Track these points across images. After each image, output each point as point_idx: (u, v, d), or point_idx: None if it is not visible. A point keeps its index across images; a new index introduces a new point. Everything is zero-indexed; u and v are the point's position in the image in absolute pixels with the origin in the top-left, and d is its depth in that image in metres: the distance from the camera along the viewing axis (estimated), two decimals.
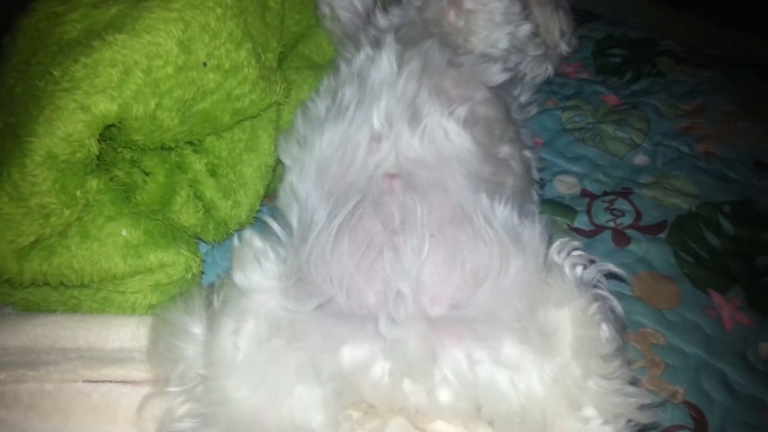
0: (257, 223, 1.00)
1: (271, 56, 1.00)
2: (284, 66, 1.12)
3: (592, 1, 1.79)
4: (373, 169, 0.86)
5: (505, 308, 0.75)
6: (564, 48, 1.35)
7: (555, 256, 0.78)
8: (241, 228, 0.97)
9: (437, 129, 0.87)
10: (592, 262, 0.79)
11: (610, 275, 0.86)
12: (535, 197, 0.97)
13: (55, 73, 0.73)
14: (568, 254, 0.78)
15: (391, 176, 0.85)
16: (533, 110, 1.26)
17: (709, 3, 1.80)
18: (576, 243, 0.80)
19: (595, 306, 0.71)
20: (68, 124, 0.71)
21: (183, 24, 0.79)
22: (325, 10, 1.18)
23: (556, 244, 0.79)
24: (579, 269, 0.77)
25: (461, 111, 0.89)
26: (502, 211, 0.82)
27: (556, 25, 1.32)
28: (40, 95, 0.73)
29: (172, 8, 0.79)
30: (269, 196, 1.06)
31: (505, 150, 0.93)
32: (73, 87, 0.72)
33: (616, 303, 0.76)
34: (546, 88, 1.37)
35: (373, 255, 0.80)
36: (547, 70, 1.29)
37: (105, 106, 0.72)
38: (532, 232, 0.81)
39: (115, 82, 0.73)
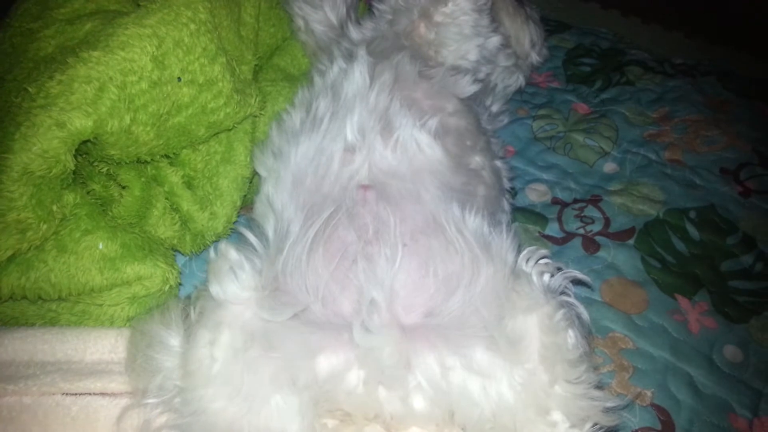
0: (234, 233, 1.01)
1: (246, 69, 1.02)
2: (259, 78, 1.13)
3: (564, 11, 1.83)
4: (347, 180, 0.87)
5: (476, 315, 0.77)
6: (535, 58, 1.38)
7: (523, 265, 0.80)
8: (218, 239, 0.98)
9: (409, 140, 0.89)
10: (559, 269, 0.81)
11: (579, 282, 0.89)
12: (506, 206, 1.00)
13: (31, 89, 0.74)
14: (536, 262, 0.80)
15: (365, 187, 0.86)
16: (505, 120, 1.29)
17: (676, 14, 1.85)
18: (544, 251, 0.82)
19: (561, 313, 0.73)
20: (44, 141, 0.71)
21: (157, 40, 0.81)
22: (300, 23, 1.20)
23: (525, 252, 0.82)
24: (546, 277, 0.79)
25: (432, 122, 0.92)
26: (473, 221, 0.84)
27: (526, 36, 1.35)
28: (16, 112, 0.74)
29: (145, 24, 0.81)
30: (246, 206, 1.08)
31: (476, 160, 0.95)
32: (48, 104, 0.73)
33: (582, 309, 0.78)
34: (517, 97, 1.40)
35: (347, 264, 0.82)
36: (519, 80, 1.32)
37: (80, 123, 0.73)
38: (502, 241, 0.83)
39: (90, 98, 0.74)
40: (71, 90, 0.74)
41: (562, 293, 0.80)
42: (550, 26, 1.64)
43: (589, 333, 0.80)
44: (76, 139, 0.74)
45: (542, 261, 0.80)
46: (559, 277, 0.80)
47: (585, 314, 0.78)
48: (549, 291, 0.77)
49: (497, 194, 0.97)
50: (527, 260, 0.81)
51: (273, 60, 1.18)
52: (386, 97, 0.92)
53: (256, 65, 1.06)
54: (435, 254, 0.82)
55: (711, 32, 1.80)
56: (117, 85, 0.77)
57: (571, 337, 0.73)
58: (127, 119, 0.78)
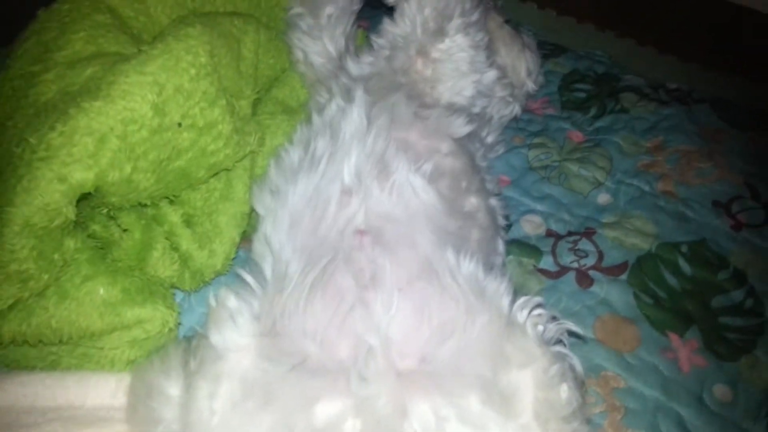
0: (233, 270, 1.02)
1: (245, 104, 1.03)
2: (258, 111, 1.14)
3: (560, 31, 1.84)
4: (344, 224, 0.88)
5: (471, 364, 0.78)
6: (531, 86, 1.39)
7: (518, 314, 0.81)
8: (217, 276, 0.99)
9: (405, 185, 0.90)
10: (554, 318, 0.83)
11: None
12: (501, 247, 1.01)
13: (32, 140, 0.75)
14: (530, 312, 0.82)
15: (361, 232, 0.88)
16: (501, 150, 1.30)
17: (670, 37, 1.86)
18: (538, 299, 0.84)
19: (555, 368, 0.75)
20: (46, 194, 0.72)
21: (158, 87, 0.81)
22: (299, 54, 1.21)
23: (520, 301, 0.83)
24: (540, 328, 0.80)
25: (428, 166, 0.93)
26: (468, 267, 0.86)
27: (523, 65, 1.36)
28: (18, 163, 0.75)
29: (146, 72, 0.81)
30: (245, 239, 1.09)
31: (471, 202, 0.97)
32: (50, 156, 0.74)
33: (576, 361, 0.79)
34: (513, 125, 1.41)
35: (345, 310, 0.83)
36: (515, 109, 1.33)
37: (82, 176, 0.74)
38: (497, 287, 0.84)
39: (91, 150, 0.75)
40: (72, 142, 0.75)
41: (557, 342, 0.81)
42: (546, 50, 1.65)
43: (582, 384, 0.81)
44: (78, 192, 0.75)
45: (536, 312, 0.82)
46: (553, 327, 0.82)
47: (579, 366, 0.80)
48: (543, 342, 0.78)
49: (492, 235, 0.98)
50: (522, 309, 0.82)
51: (272, 92, 1.19)
52: (383, 141, 0.93)
53: (255, 99, 1.07)
54: (430, 300, 0.84)
55: (705, 56, 1.81)
56: (118, 135, 0.77)
57: (565, 391, 0.74)
58: (128, 168, 0.79)
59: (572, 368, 0.79)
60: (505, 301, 0.84)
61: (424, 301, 0.84)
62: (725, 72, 1.76)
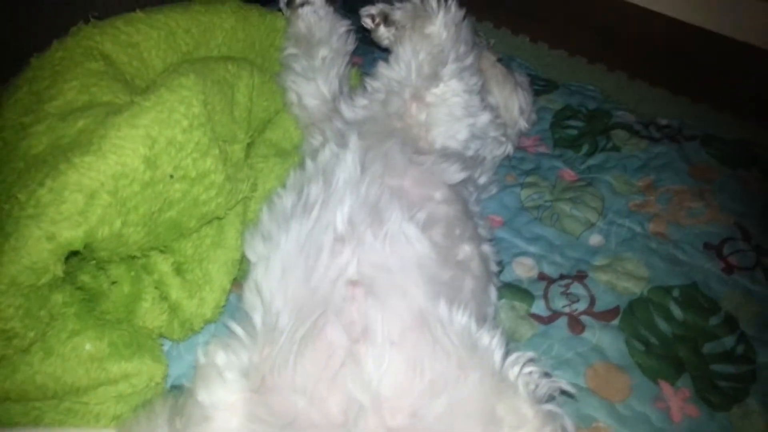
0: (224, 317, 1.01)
1: (239, 148, 1.03)
2: (251, 154, 1.14)
3: (551, 65, 1.85)
4: (336, 275, 0.88)
5: (462, 423, 0.78)
6: (523, 125, 1.40)
7: (510, 371, 0.81)
8: (206, 324, 0.98)
9: (398, 234, 0.90)
10: (546, 374, 0.82)
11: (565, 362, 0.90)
12: (493, 297, 1.01)
13: (21, 197, 0.74)
14: (522, 369, 0.81)
15: (353, 283, 0.87)
16: (494, 190, 1.31)
17: (661, 71, 1.87)
18: (530, 354, 0.84)
19: (547, 430, 0.74)
20: (33, 253, 0.72)
21: (150, 140, 0.81)
22: (293, 97, 1.21)
23: (512, 357, 0.83)
24: (532, 386, 0.80)
25: (421, 215, 0.93)
26: (460, 319, 0.85)
27: (515, 104, 1.37)
28: (6, 220, 0.74)
29: (138, 125, 0.81)
30: (236, 283, 1.08)
31: (464, 250, 0.96)
32: (38, 213, 0.73)
33: (567, 422, 0.79)
34: (506, 163, 1.41)
35: (336, 365, 0.82)
36: (507, 148, 1.33)
37: (71, 234, 0.73)
38: (489, 340, 0.84)
39: (81, 207, 0.74)
40: (62, 199, 0.74)
41: (549, 399, 0.81)
42: (539, 86, 1.66)
43: None
44: (66, 250, 0.74)
45: (527, 370, 0.81)
46: (545, 383, 0.81)
47: (570, 427, 0.79)
48: (535, 402, 0.78)
49: (485, 284, 0.98)
50: (514, 365, 0.82)
51: (265, 134, 1.19)
52: (377, 188, 0.93)
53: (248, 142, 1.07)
54: (422, 354, 0.83)
55: (694, 90, 1.82)
56: (109, 190, 0.77)
57: None
58: (118, 223, 0.78)
59: (564, 429, 0.78)
60: (498, 355, 0.83)
61: (416, 355, 0.83)
62: (714, 106, 1.77)
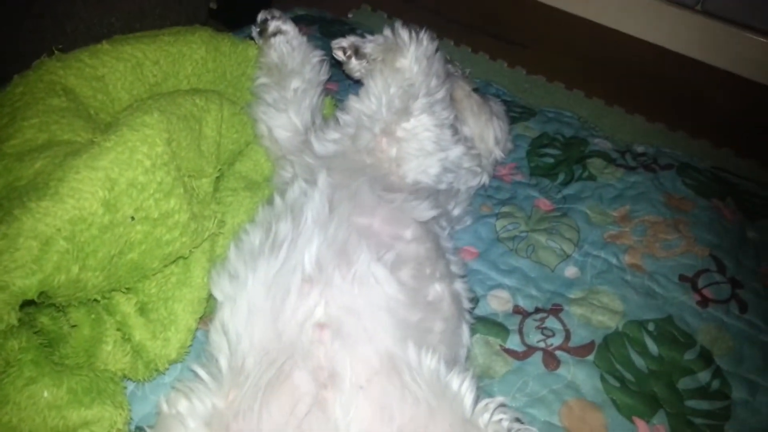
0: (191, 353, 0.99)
1: (206, 182, 1.01)
2: (220, 187, 1.12)
3: (529, 91, 1.85)
4: (304, 317, 0.86)
5: None
6: (498, 154, 1.39)
7: (479, 419, 0.79)
8: (171, 364, 0.96)
9: (367, 275, 0.89)
10: (517, 420, 0.81)
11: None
12: (465, 338, 0.99)
13: None
14: (491, 416, 0.80)
15: (321, 326, 0.85)
16: (468, 221, 1.29)
17: (638, 98, 1.88)
18: (500, 399, 0.82)
19: None
20: None
21: (109, 183, 0.79)
22: (263, 129, 1.19)
23: (481, 404, 0.81)
24: None
25: (390, 255, 0.91)
26: (429, 363, 0.84)
27: (490, 134, 1.36)
28: None
29: (98, 167, 0.79)
30: (203, 319, 1.05)
31: (435, 290, 0.95)
32: None
33: None
34: (481, 192, 1.40)
35: (302, 411, 0.81)
36: (482, 178, 1.32)
37: (24, 283, 0.71)
38: (459, 384, 0.83)
39: (35, 254, 0.72)
40: (16, 246, 0.71)
41: None
42: (515, 113, 1.66)
43: None
44: (20, 299, 0.72)
45: (498, 416, 0.80)
46: (516, 428, 0.80)
47: None
48: None
49: (456, 325, 0.96)
50: (484, 412, 0.80)
51: (235, 166, 1.17)
52: (345, 229, 0.92)
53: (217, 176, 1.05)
54: (391, 399, 0.81)
55: (671, 117, 1.83)
56: (65, 236, 0.74)
57: None
58: (75, 269, 0.76)
59: None
60: (468, 401, 0.82)
61: (384, 401, 0.81)
62: (691, 133, 1.78)
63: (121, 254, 0.82)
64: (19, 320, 0.80)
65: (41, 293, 0.75)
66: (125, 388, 0.92)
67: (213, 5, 1.82)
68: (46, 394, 0.78)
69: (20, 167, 0.81)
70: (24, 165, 0.81)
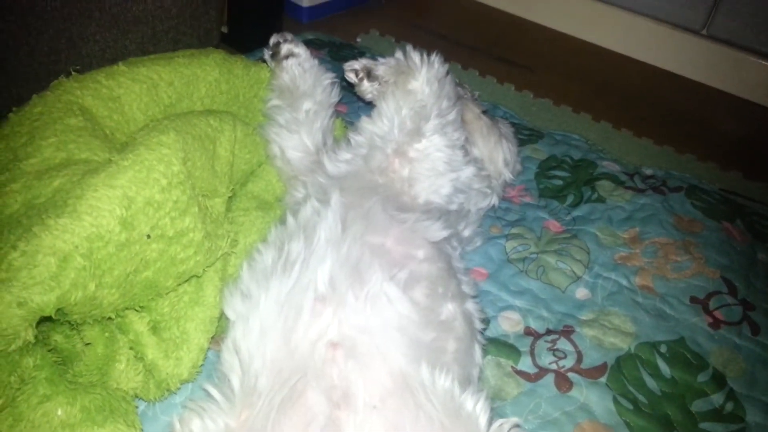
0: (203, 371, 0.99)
1: (219, 201, 1.01)
2: (233, 207, 1.13)
3: (537, 114, 1.87)
4: (317, 336, 0.86)
5: None
6: (508, 176, 1.40)
7: None
8: (183, 384, 0.96)
9: (379, 294, 0.89)
10: None
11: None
12: (477, 358, 0.99)
13: None
14: None
15: (334, 345, 0.85)
16: (478, 242, 1.30)
17: (645, 121, 1.90)
18: (515, 420, 0.82)
19: None
20: (3, 319, 0.69)
21: (127, 201, 0.80)
22: (276, 150, 1.20)
23: (496, 425, 0.81)
24: None
25: (403, 275, 0.91)
26: (443, 383, 0.83)
27: (500, 155, 1.37)
28: None
29: (115, 185, 0.80)
30: (215, 339, 1.05)
31: (448, 309, 0.95)
32: (9, 278, 0.71)
33: None
34: (491, 214, 1.41)
35: (316, 430, 0.80)
36: (492, 200, 1.32)
37: (42, 299, 0.71)
38: (473, 405, 0.82)
39: (53, 271, 0.72)
40: (34, 263, 0.72)
41: None
42: (524, 135, 1.67)
43: None
44: (38, 315, 0.72)
45: None
46: None
47: None
48: None
49: (469, 344, 0.96)
50: None
51: (247, 186, 1.18)
52: (358, 248, 0.92)
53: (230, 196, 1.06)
54: (404, 420, 0.81)
55: (680, 140, 1.84)
56: (83, 253, 0.75)
57: None
58: (92, 286, 0.76)
59: None
60: (482, 421, 0.81)
61: (397, 421, 0.81)
62: (699, 156, 1.79)
63: (137, 272, 0.83)
64: (35, 338, 0.81)
65: (58, 310, 0.75)
66: (137, 407, 0.91)
67: (224, 29, 1.85)
68: (60, 412, 0.78)
69: (39, 185, 0.82)
70: (43, 183, 0.82)
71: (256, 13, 1.88)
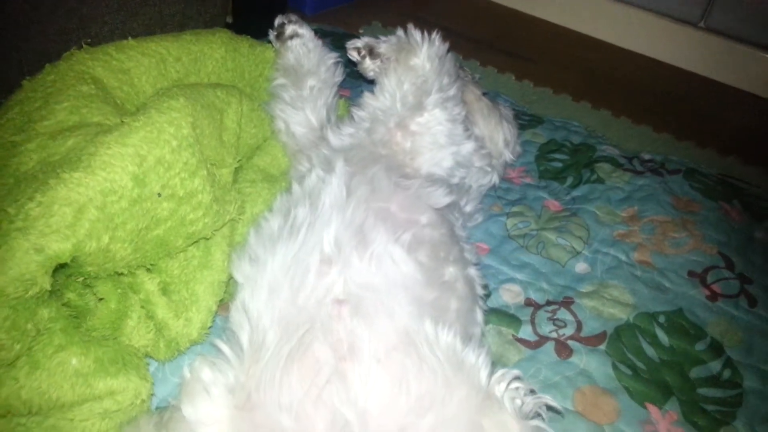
0: (210, 339, 1.00)
1: (227, 172, 1.04)
2: (239, 178, 1.15)
3: (537, 102, 1.89)
4: (323, 294, 0.88)
5: None
6: (508, 156, 1.42)
7: (496, 388, 0.81)
8: (192, 345, 0.98)
9: (384, 255, 0.91)
10: (532, 392, 0.83)
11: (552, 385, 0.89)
12: (479, 318, 1.01)
13: (10, 210, 0.75)
14: (508, 385, 0.81)
15: (340, 302, 0.87)
16: (479, 218, 1.32)
17: (644, 109, 1.92)
18: (516, 372, 0.84)
19: None
20: (21, 265, 0.72)
21: (138, 158, 0.82)
22: (281, 124, 1.23)
23: (498, 374, 0.83)
24: (518, 402, 0.80)
25: (406, 236, 0.94)
26: (446, 338, 0.86)
27: (500, 136, 1.40)
28: None
29: (128, 143, 0.82)
30: (222, 306, 1.08)
31: (450, 272, 0.97)
32: (27, 226, 0.73)
33: None
34: (492, 193, 1.44)
35: (321, 382, 0.82)
36: (493, 178, 1.35)
37: (59, 246, 0.74)
38: (475, 359, 0.84)
39: (69, 221, 0.75)
40: (51, 212, 0.74)
41: (535, 416, 0.81)
42: (524, 120, 1.70)
43: None
44: (54, 262, 0.75)
45: (513, 385, 0.81)
46: (531, 400, 0.81)
47: None
48: (521, 418, 0.78)
49: (470, 305, 0.98)
50: (500, 383, 0.82)
51: (253, 160, 1.21)
52: (362, 212, 0.94)
53: (236, 167, 1.08)
54: (408, 372, 0.83)
55: (678, 128, 1.87)
56: (97, 205, 0.77)
57: None
58: (106, 238, 0.79)
59: None
60: (483, 373, 0.83)
61: (402, 373, 0.83)
62: (697, 143, 1.81)
63: (148, 229, 0.85)
64: (49, 292, 0.83)
65: (73, 260, 0.78)
66: (148, 365, 0.94)
67: (229, 19, 1.88)
68: (74, 361, 0.80)
69: (53, 144, 0.85)
70: (57, 143, 0.85)
71: (261, 4, 1.91)
